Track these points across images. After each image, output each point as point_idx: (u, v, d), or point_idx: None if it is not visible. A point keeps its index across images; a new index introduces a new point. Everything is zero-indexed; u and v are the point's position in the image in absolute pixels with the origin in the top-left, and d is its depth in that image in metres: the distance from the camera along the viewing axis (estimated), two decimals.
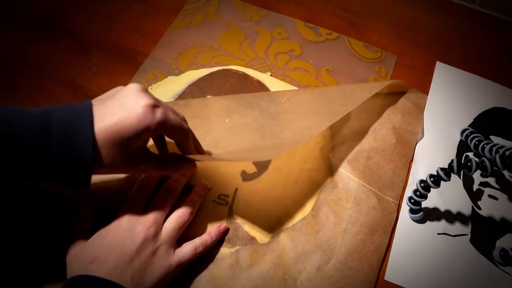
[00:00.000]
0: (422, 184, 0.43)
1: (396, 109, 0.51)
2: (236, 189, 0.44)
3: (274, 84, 0.52)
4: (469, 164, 0.40)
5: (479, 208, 0.46)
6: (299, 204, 0.44)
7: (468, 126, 0.51)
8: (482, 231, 0.45)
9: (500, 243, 0.44)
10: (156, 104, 0.32)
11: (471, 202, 0.47)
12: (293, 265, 0.40)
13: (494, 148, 0.45)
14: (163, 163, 0.37)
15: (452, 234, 0.44)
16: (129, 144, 0.32)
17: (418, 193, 0.43)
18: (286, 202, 0.44)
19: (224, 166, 0.46)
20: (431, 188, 0.42)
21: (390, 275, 0.42)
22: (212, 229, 0.41)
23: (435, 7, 0.62)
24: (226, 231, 0.41)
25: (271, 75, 0.53)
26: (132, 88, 0.33)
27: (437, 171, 0.41)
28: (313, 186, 0.45)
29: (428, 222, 0.45)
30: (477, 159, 0.40)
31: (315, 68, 0.54)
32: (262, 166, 0.46)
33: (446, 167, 0.41)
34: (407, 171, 0.48)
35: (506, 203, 0.47)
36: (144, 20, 0.57)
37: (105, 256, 0.33)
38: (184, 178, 0.43)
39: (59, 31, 0.55)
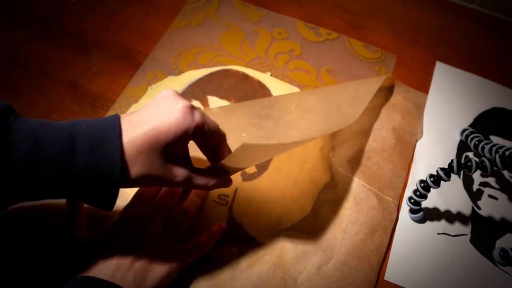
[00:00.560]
0: (422, 184, 0.43)
1: (396, 110, 0.51)
2: (236, 189, 0.44)
3: (274, 84, 0.52)
4: (469, 164, 0.40)
5: (479, 208, 0.46)
6: (299, 204, 0.44)
7: (468, 126, 0.51)
8: (482, 231, 0.45)
9: (500, 243, 0.44)
10: (193, 106, 0.31)
11: (471, 202, 0.47)
12: (293, 265, 0.40)
13: (494, 148, 0.45)
14: (200, 174, 0.34)
15: (452, 234, 0.44)
16: (168, 149, 0.30)
17: (418, 193, 0.43)
18: (286, 202, 0.44)
19: None
20: (431, 188, 0.42)
21: (390, 275, 0.42)
22: (212, 229, 0.41)
23: (435, 7, 0.63)
24: (225, 231, 0.41)
25: (271, 75, 0.53)
26: (166, 93, 0.31)
27: (437, 171, 0.41)
28: (313, 186, 0.45)
29: (428, 222, 0.45)
30: (477, 159, 0.40)
31: (315, 68, 0.54)
32: (262, 166, 0.46)
33: (446, 167, 0.41)
34: (407, 171, 0.48)
35: (506, 203, 0.47)
36: (144, 20, 0.57)
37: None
38: (199, 199, 0.42)
39: (59, 31, 0.55)
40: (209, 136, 0.32)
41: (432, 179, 0.42)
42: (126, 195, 0.39)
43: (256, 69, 0.54)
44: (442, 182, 0.41)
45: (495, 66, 0.57)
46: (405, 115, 0.51)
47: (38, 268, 0.36)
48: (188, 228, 0.40)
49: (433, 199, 0.45)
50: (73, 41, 0.54)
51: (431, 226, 0.45)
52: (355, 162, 0.47)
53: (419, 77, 0.55)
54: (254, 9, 0.59)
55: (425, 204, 0.45)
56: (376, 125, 0.50)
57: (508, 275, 0.43)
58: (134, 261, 0.34)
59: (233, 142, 0.43)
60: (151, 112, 0.30)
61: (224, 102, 0.50)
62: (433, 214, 0.45)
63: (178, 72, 0.53)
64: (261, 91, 0.52)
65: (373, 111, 0.51)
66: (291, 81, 0.53)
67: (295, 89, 0.52)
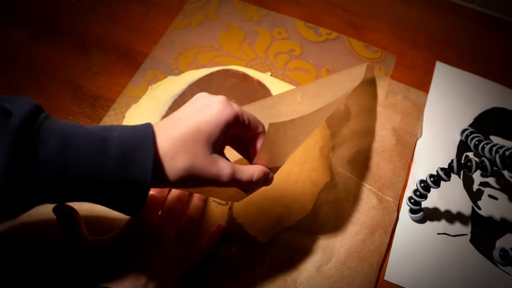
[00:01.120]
0: (422, 184, 0.43)
1: (396, 110, 0.51)
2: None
3: (274, 84, 0.52)
4: (469, 164, 0.40)
5: (479, 208, 0.46)
6: (299, 204, 0.44)
7: (468, 126, 0.51)
8: (482, 231, 0.45)
9: (500, 243, 0.44)
10: (228, 99, 0.31)
11: (471, 202, 0.47)
12: (293, 265, 0.40)
13: (494, 148, 0.45)
14: (243, 169, 0.32)
15: (452, 234, 0.44)
16: (211, 140, 0.29)
17: (418, 193, 0.43)
18: (286, 202, 0.44)
19: None
20: (431, 188, 0.42)
21: (390, 275, 0.42)
22: (212, 230, 0.41)
23: (435, 7, 0.63)
24: (225, 230, 0.41)
25: (271, 75, 0.53)
26: (200, 94, 0.32)
27: (437, 171, 0.41)
28: (313, 186, 0.45)
29: (428, 222, 0.45)
30: (477, 159, 0.40)
31: (315, 68, 0.54)
32: None
33: (446, 167, 0.41)
34: (407, 171, 0.48)
35: (506, 203, 0.47)
36: (144, 20, 0.57)
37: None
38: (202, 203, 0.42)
39: (59, 31, 0.55)
40: (248, 126, 0.32)
41: (432, 179, 0.42)
42: None
43: (256, 69, 0.54)
44: (442, 182, 0.41)
45: (495, 66, 0.57)
46: (405, 115, 0.51)
47: (42, 275, 0.36)
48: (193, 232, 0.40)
49: (433, 199, 0.45)
50: (73, 41, 0.54)
51: (431, 226, 0.45)
52: (355, 162, 0.47)
53: (419, 77, 0.55)
54: (254, 9, 0.59)
55: (425, 204, 0.45)
56: (376, 125, 0.50)
57: (508, 275, 0.43)
58: (152, 273, 0.33)
59: None
60: (189, 110, 0.30)
61: None
62: (433, 214, 0.45)
63: (178, 72, 0.53)
64: (261, 91, 0.52)
65: (373, 111, 0.51)
66: (291, 81, 0.53)
67: None
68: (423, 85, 0.55)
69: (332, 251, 0.42)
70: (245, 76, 0.53)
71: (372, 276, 0.41)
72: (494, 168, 0.40)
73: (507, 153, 0.41)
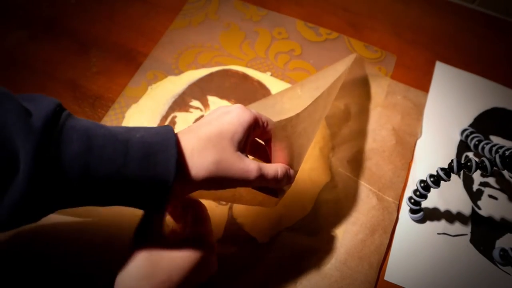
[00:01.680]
0: (422, 184, 0.43)
1: (396, 110, 0.51)
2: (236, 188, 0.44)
3: (274, 84, 0.52)
4: (469, 164, 0.40)
5: (479, 208, 0.46)
6: (299, 204, 0.44)
7: (468, 126, 0.51)
8: (482, 231, 0.45)
9: (500, 243, 0.44)
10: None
11: (471, 202, 0.47)
12: (293, 264, 0.40)
13: (494, 148, 0.45)
14: (268, 166, 0.32)
15: (452, 234, 0.44)
16: (235, 139, 0.30)
17: (418, 193, 0.43)
18: (286, 202, 0.44)
19: None
20: (431, 188, 0.42)
21: (390, 275, 0.42)
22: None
23: (435, 7, 0.63)
24: (225, 230, 0.41)
25: (271, 75, 0.53)
26: (218, 107, 0.33)
27: (437, 171, 0.41)
28: (313, 186, 0.45)
29: (428, 222, 0.45)
30: (477, 159, 0.40)
31: (315, 68, 0.54)
32: None
33: (446, 167, 0.41)
34: (407, 171, 0.48)
35: (506, 203, 0.47)
36: (144, 20, 0.57)
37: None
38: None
39: (59, 31, 0.55)
40: (266, 127, 0.33)
41: (432, 179, 0.42)
42: None
43: (256, 69, 0.54)
44: (442, 182, 0.41)
45: (495, 66, 0.57)
46: (405, 115, 0.51)
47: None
48: None
49: (433, 199, 0.45)
50: (73, 41, 0.54)
51: (431, 226, 0.45)
52: (355, 162, 0.47)
53: (419, 77, 0.55)
54: (254, 9, 0.59)
55: (425, 204, 0.45)
56: (376, 126, 0.50)
57: (508, 275, 0.43)
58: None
59: None
60: (210, 117, 0.31)
61: (224, 102, 0.50)
62: (433, 214, 0.45)
63: (178, 72, 0.53)
64: (261, 91, 0.52)
65: (373, 111, 0.51)
66: (291, 81, 0.53)
67: None
68: (423, 85, 0.55)
69: (332, 251, 0.42)
70: (245, 76, 0.53)
71: (372, 276, 0.41)
72: (494, 168, 0.40)
73: (507, 153, 0.41)
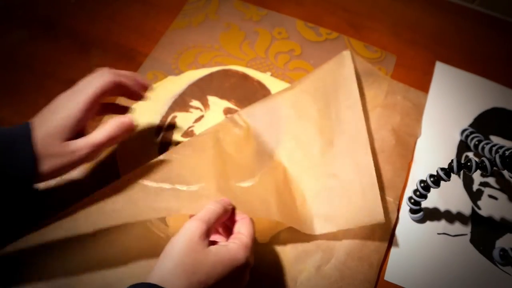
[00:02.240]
0: (422, 184, 0.43)
1: (396, 110, 0.51)
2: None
3: (274, 84, 0.52)
4: (469, 164, 0.40)
5: (479, 208, 0.46)
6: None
7: (468, 126, 0.51)
8: (482, 231, 0.45)
9: (500, 243, 0.44)
10: None
11: (471, 202, 0.47)
12: (293, 265, 0.40)
13: (494, 148, 0.45)
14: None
15: (452, 234, 0.44)
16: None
17: (418, 193, 0.43)
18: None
19: None
20: (431, 188, 0.42)
21: (390, 275, 0.42)
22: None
23: (435, 7, 0.63)
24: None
25: (271, 75, 0.53)
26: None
27: (437, 171, 0.41)
28: None
29: (428, 222, 0.45)
30: (477, 159, 0.40)
31: (315, 68, 0.54)
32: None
33: (446, 167, 0.41)
34: (407, 171, 0.48)
35: (506, 203, 0.47)
36: (144, 20, 0.57)
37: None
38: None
39: (59, 31, 0.55)
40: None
41: (432, 179, 0.42)
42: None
43: (256, 69, 0.54)
44: (442, 182, 0.41)
45: (495, 66, 0.57)
46: (405, 115, 0.51)
47: None
48: None
49: (433, 199, 0.45)
50: (73, 41, 0.54)
51: (431, 226, 0.45)
52: None
53: (419, 77, 0.55)
54: (254, 9, 0.59)
55: (425, 204, 0.45)
56: (376, 126, 0.50)
57: (508, 275, 0.43)
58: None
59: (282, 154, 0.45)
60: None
61: (224, 102, 0.50)
62: (433, 214, 0.45)
63: (178, 72, 0.53)
64: (261, 91, 0.52)
65: (373, 111, 0.51)
66: (291, 81, 0.53)
67: None
68: (423, 85, 0.55)
69: (332, 251, 0.42)
70: (245, 76, 0.53)
71: (372, 276, 0.41)
72: (494, 168, 0.40)
73: (507, 153, 0.41)
